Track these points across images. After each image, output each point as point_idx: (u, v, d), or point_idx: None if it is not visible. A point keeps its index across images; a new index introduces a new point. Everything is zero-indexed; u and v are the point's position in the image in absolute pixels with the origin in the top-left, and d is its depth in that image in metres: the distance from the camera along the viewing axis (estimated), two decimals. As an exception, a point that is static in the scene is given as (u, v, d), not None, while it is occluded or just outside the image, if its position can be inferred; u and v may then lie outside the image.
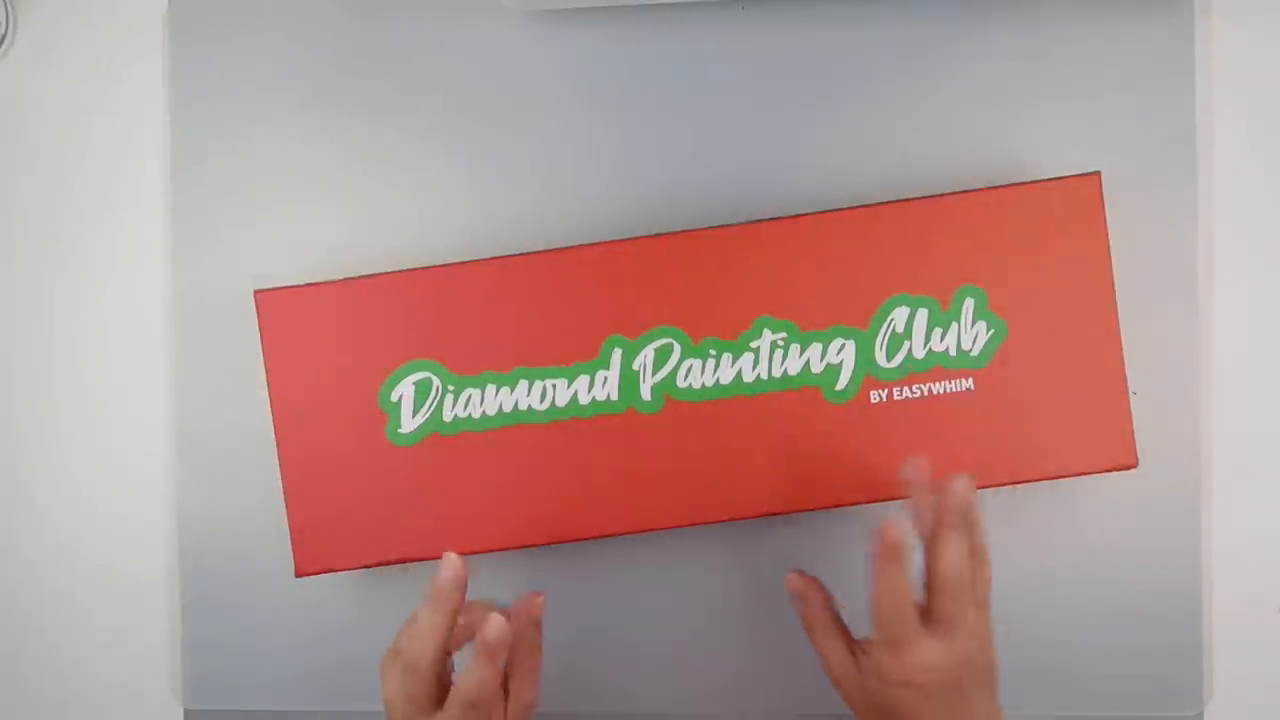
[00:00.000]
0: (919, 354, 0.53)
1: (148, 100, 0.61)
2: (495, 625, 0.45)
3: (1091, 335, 0.53)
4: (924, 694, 0.45)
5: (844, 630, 0.49)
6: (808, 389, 0.53)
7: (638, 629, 0.59)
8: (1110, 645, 0.58)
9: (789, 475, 0.53)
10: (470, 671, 0.45)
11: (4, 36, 0.62)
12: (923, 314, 0.53)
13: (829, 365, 0.53)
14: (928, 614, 0.45)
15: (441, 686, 0.46)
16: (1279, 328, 0.59)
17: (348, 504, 0.54)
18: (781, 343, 0.53)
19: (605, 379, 0.53)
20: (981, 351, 0.53)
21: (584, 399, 0.53)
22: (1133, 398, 0.53)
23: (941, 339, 0.53)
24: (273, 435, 0.54)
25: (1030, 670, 0.57)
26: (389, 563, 0.54)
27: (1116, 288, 0.52)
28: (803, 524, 0.58)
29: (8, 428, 0.62)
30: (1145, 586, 0.58)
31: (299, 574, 0.54)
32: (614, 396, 0.53)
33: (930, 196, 0.53)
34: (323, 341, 0.54)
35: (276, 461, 0.54)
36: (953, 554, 0.44)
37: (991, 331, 0.53)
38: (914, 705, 0.45)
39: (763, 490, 0.53)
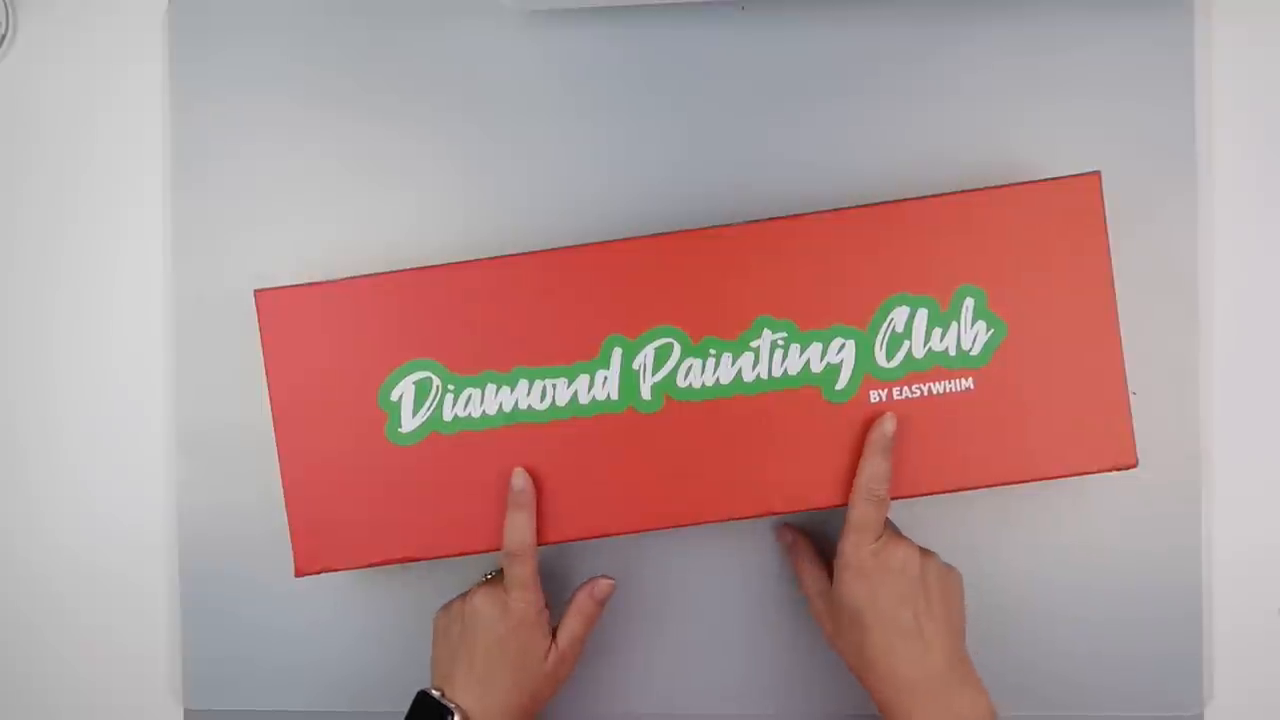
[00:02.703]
0: (919, 354, 0.53)
1: (148, 100, 0.62)
2: (518, 475, 0.52)
3: (1091, 335, 0.53)
4: (872, 583, 0.50)
5: (822, 561, 0.55)
6: (808, 389, 0.53)
7: (638, 628, 0.59)
8: (1110, 645, 0.58)
9: (789, 475, 0.53)
10: (506, 523, 0.52)
11: (4, 36, 0.62)
12: (923, 314, 0.53)
13: (829, 365, 0.53)
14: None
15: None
16: (1278, 328, 0.59)
17: (348, 504, 0.54)
18: (781, 342, 0.53)
19: (605, 379, 0.53)
20: (981, 351, 0.53)
21: (584, 399, 0.53)
22: (1133, 398, 0.53)
23: (941, 339, 0.53)
24: (273, 435, 0.54)
25: (1030, 670, 0.57)
26: (389, 563, 0.54)
27: (1116, 288, 0.52)
28: (802, 524, 0.58)
29: (8, 427, 0.62)
30: (1145, 587, 0.58)
31: (298, 574, 0.54)
32: (614, 396, 0.53)
33: (930, 196, 0.53)
34: (323, 341, 0.54)
35: (276, 461, 0.54)
36: (870, 470, 0.51)
37: (991, 331, 0.53)
38: (865, 596, 0.50)
39: (763, 490, 0.53)
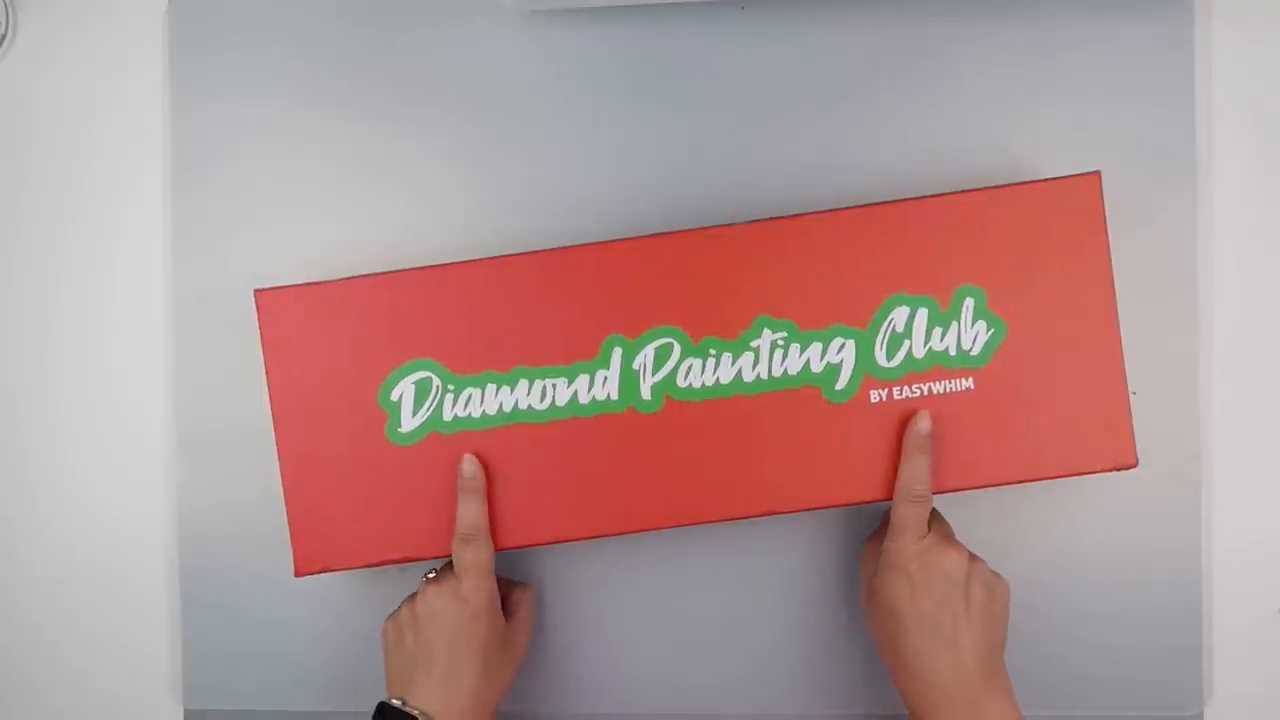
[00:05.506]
0: (919, 353, 0.53)
1: (148, 100, 0.62)
2: (469, 461, 0.52)
3: (1091, 335, 0.53)
4: (914, 584, 0.50)
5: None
6: (808, 389, 0.53)
7: (637, 628, 0.59)
8: (1110, 645, 0.58)
9: (789, 475, 0.53)
10: (458, 509, 0.52)
11: (4, 36, 0.62)
12: (923, 314, 0.53)
13: (829, 365, 0.53)
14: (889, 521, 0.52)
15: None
16: (1278, 328, 0.59)
17: (347, 504, 0.54)
18: (781, 342, 0.53)
19: (605, 379, 0.53)
20: (981, 351, 0.53)
21: (584, 399, 0.53)
22: (1133, 398, 0.53)
23: (941, 339, 0.53)
24: (273, 435, 0.54)
25: (1030, 670, 0.57)
26: (389, 563, 0.54)
27: (1116, 288, 0.52)
28: (803, 524, 0.58)
29: (9, 427, 0.62)
30: (1145, 587, 0.58)
31: (298, 574, 0.54)
32: (614, 396, 0.53)
33: (930, 196, 0.53)
34: (323, 341, 0.54)
35: (276, 461, 0.54)
36: (908, 470, 0.51)
37: (991, 331, 0.53)
38: (905, 596, 0.50)
39: (763, 490, 0.53)
